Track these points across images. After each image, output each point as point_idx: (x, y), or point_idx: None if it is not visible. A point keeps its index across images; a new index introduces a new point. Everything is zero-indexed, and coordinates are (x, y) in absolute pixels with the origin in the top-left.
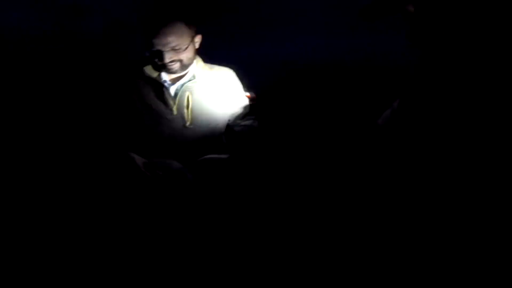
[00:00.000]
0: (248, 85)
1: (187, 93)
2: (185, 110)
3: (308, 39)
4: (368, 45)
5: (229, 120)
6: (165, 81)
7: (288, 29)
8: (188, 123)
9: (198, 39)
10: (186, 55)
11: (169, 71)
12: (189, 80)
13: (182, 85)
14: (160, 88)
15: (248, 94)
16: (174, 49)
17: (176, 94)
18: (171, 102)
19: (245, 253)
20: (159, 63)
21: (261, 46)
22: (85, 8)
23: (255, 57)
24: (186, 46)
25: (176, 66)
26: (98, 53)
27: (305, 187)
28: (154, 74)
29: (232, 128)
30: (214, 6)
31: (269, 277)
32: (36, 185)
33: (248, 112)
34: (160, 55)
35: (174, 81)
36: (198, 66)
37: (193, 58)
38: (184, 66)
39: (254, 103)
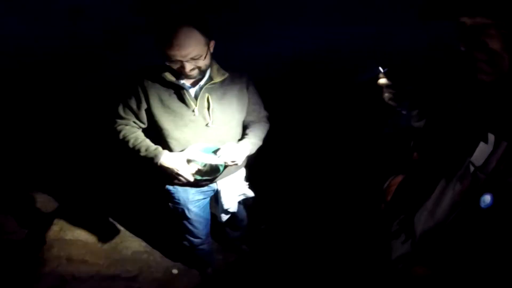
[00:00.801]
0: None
1: (206, 95)
2: (206, 111)
3: (309, 36)
4: (369, 45)
5: (246, 117)
6: (184, 84)
7: (289, 27)
8: (210, 123)
9: (212, 44)
10: (204, 62)
11: (189, 77)
12: (207, 82)
13: (201, 87)
14: (180, 91)
15: None
16: (194, 59)
17: (196, 96)
18: (192, 104)
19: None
20: (179, 71)
21: (261, 43)
22: (84, 11)
23: (255, 54)
24: (205, 54)
25: (195, 72)
26: (98, 55)
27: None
28: (173, 77)
29: (249, 124)
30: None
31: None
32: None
33: (262, 109)
34: (180, 65)
35: (193, 84)
36: (214, 68)
37: (210, 63)
38: (203, 72)
39: None
